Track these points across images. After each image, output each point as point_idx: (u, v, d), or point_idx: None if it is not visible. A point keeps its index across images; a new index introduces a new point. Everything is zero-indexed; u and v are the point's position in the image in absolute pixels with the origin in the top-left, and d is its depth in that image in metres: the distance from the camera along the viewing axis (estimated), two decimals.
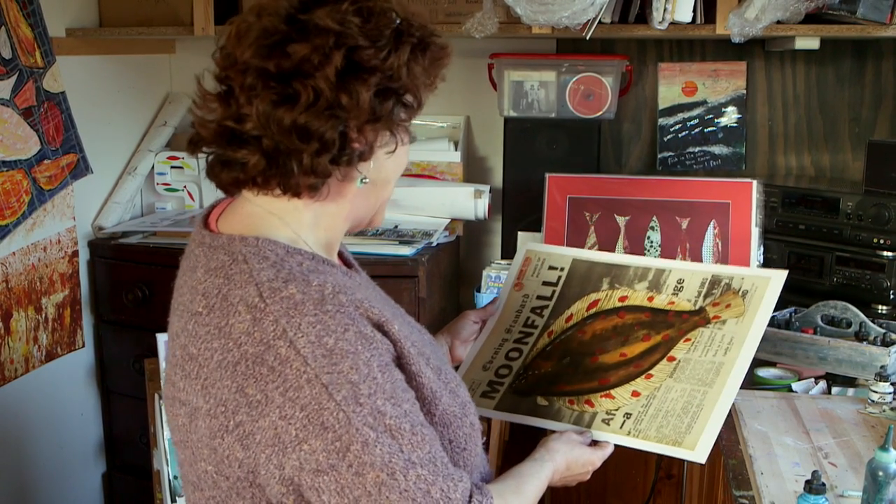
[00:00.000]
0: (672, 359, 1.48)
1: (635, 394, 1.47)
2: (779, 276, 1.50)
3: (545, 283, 1.65)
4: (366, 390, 1.00)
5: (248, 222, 1.11)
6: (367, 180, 1.14)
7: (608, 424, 1.44)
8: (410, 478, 1.00)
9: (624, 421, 1.44)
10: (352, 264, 1.27)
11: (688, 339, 1.49)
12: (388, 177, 1.18)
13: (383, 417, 1.00)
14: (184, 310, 1.09)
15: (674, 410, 1.42)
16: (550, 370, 1.54)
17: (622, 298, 1.59)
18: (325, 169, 1.06)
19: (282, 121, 1.03)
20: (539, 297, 1.64)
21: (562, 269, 1.65)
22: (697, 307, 1.52)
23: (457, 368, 1.57)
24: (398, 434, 1.01)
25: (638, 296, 1.58)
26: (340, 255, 1.27)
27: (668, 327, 1.52)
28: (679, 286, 1.56)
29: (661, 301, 1.56)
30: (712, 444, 1.37)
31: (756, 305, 1.47)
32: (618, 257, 1.65)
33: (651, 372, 1.48)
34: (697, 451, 1.38)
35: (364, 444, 0.99)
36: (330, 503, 1.00)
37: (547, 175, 2.18)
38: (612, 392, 1.48)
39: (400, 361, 1.08)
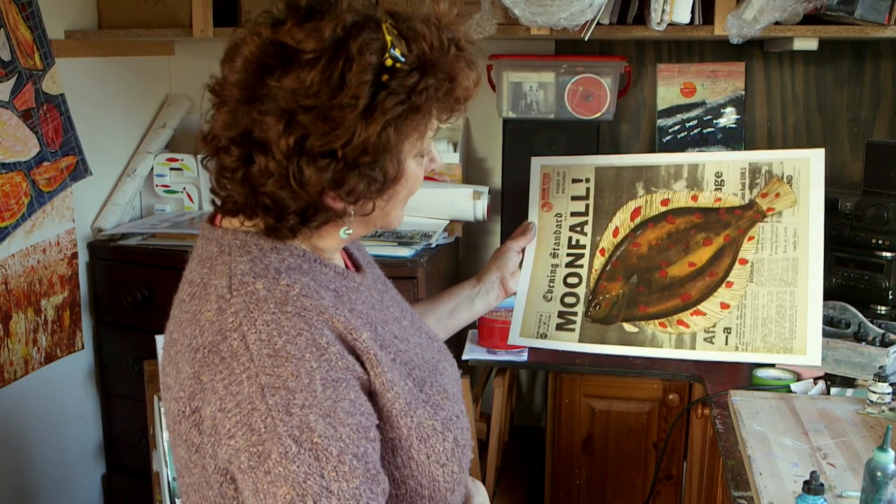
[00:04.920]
0: (744, 261, 1.45)
1: (724, 306, 1.44)
2: (818, 155, 1.50)
3: (575, 198, 1.57)
4: (300, 401, 0.95)
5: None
6: (350, 231, 1.12)
7: (712, 343, 1.41)
8: None
9: (727, 336, 1.41)
10: (359, 265, 1.25)
11: (751, 238, 1.46)
12: (379, 223, 1.14)
13: (311, 434, 0.94)
14: (176, 297, 1.11)
15: (770, 316, 1.40)
16: (622, 292, 1.49)
17: (664, 202, 1.51)
18: (293, 227, 1.06)
19: (243, 181, 1.04)
20: (574, 214, 1.57)
21: (587, 180, 1.56)
22: (747, 200, 1.48)
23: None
24: (323, 456, 0.94)
25: (680, 197, 1.51)
26: (350, 254, 1.25)
27: (726, 227, 1.47)
28: (719, 179, 1.50)
29: (706, 199, 1.50)
30: (820, 345, 1.36)
31: (806, 191, 1.46)
32: (641, 158, 1.56)
33: (730, 279, 1.45)
34: (810, 354, 1.38)
35: (283, 455, 0.93)
36: (248, 502, 0.97)
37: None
38: (701, 308, 1.45)
39: (367, 375, 1.03)
